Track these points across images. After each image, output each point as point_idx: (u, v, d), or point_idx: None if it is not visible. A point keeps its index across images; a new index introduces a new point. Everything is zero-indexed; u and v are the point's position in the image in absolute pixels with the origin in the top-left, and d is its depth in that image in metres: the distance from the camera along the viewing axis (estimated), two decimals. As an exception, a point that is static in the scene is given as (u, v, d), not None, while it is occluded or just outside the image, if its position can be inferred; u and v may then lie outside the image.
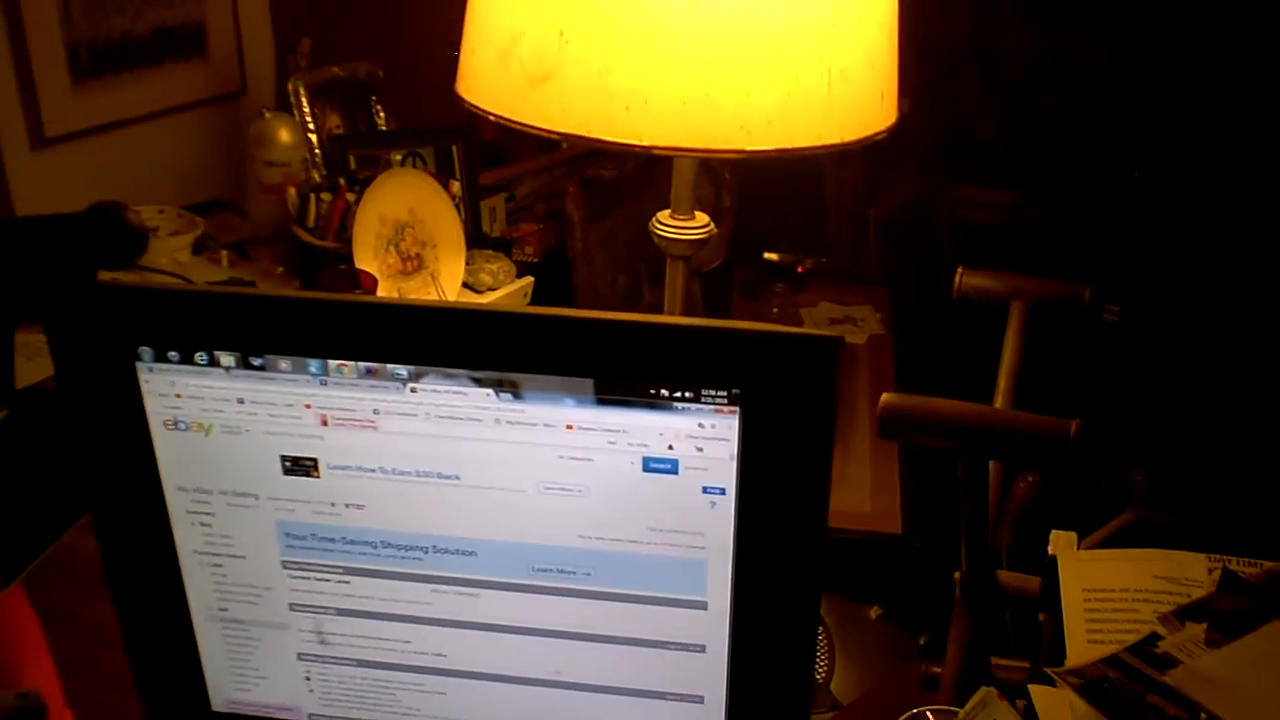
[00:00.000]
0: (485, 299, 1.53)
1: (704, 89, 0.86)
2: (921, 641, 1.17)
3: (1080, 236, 1.92)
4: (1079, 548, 0.86)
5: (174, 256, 1.46)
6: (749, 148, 0.88)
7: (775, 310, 1.94)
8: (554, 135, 0.89)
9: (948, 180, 2.15)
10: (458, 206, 1.55)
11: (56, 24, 1.59)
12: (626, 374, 0.61)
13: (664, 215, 1.04)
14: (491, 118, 0.93)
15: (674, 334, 0.61)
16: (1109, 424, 1.47)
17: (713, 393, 0.61)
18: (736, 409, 0.61)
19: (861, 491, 1.49)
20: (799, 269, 2.08)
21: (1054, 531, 0.90)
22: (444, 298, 1.46)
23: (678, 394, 0.62)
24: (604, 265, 1.70)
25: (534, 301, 1.62)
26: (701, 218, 1.05)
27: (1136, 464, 1.27)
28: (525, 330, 0.62)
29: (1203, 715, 0.55)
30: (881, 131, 0.96)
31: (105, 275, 1.01)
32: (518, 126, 0.91)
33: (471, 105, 0.95)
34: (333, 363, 0.64)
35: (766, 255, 2.10)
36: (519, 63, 0.90)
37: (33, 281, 0.80)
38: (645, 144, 0.87)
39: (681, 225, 1.04)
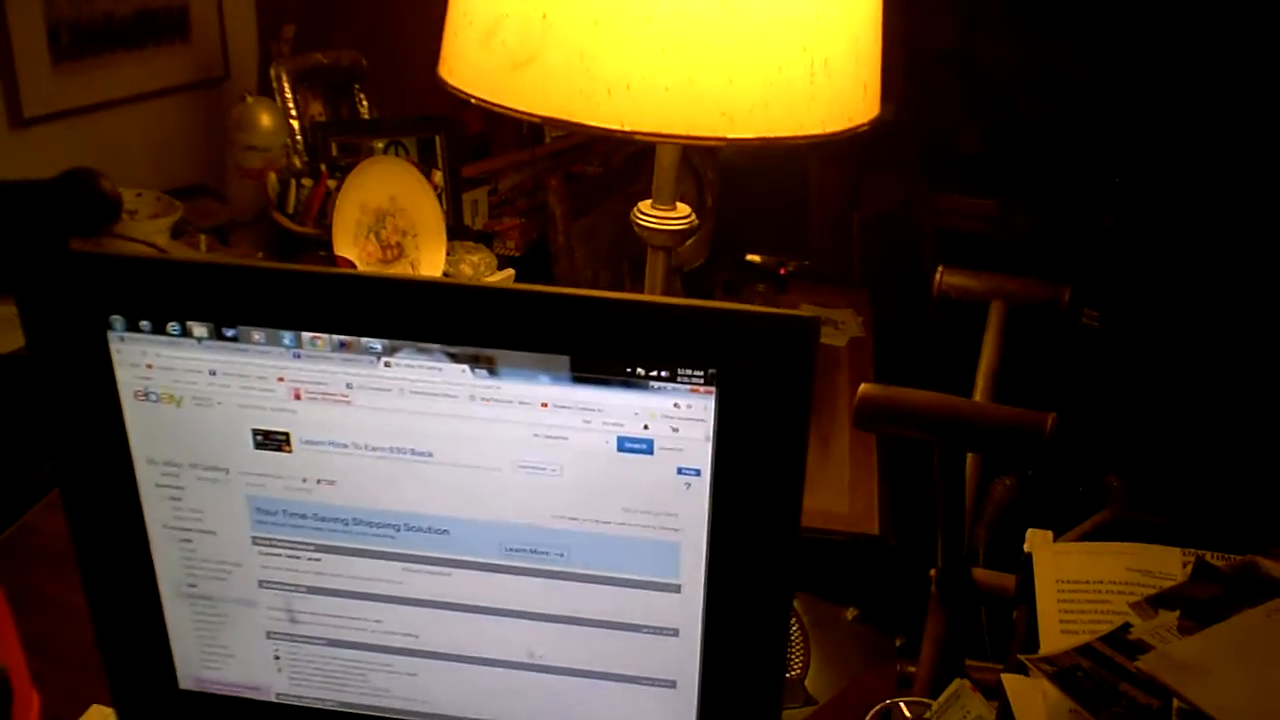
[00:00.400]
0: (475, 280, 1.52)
1: (687, 75, 0.86)
2: (898, 643, 1.17)
3: (1062, 242, 1.93)
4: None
5: (152, 239, 1.45)
6: (731, 135, 0.88)
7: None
8: (535, 119, 0.89)
9: (930, 187, 2.16)
10: (439, 196, 1.54)
11: (38, 3, 1.57)
12: (602, 352, 0.61)
13: (645, 205, 1.04)
14: (473, 100, 0.93)
15: (651, 312, 0.60)
16: (1086, 427, 1.48)
17: (689, 372, 0.61)
18: (713, 389, 0.61)
19: (840, 493, 1.49)
20: (781, 271, 2.08)
21: (1030, 530, 0.90)
22: (424, 287, 1.45)
23: (654, 373, 0.61)
24: (586, 260, 1.69)
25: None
26: (683, 208, 1.05)
27: (1113, 468, 1.28)
28: (501, 306, 0.61)
29: (1175, 701, 0.55)
30: (863, 124, 0.96)
31: (79, 243, 1.00)
32: (499, 109, 0.91)
33: (453, 88, 0.95)
34: (306, 335, 0.64)
35: (749, 257, 2.11)
36: (502, 45, 0.89)
37: (3, 248, 0.79)
38: (627, 129, 0.87)
39: (663, 215, 1.03)
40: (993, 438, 0.77)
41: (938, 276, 1.17)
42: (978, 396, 1.07)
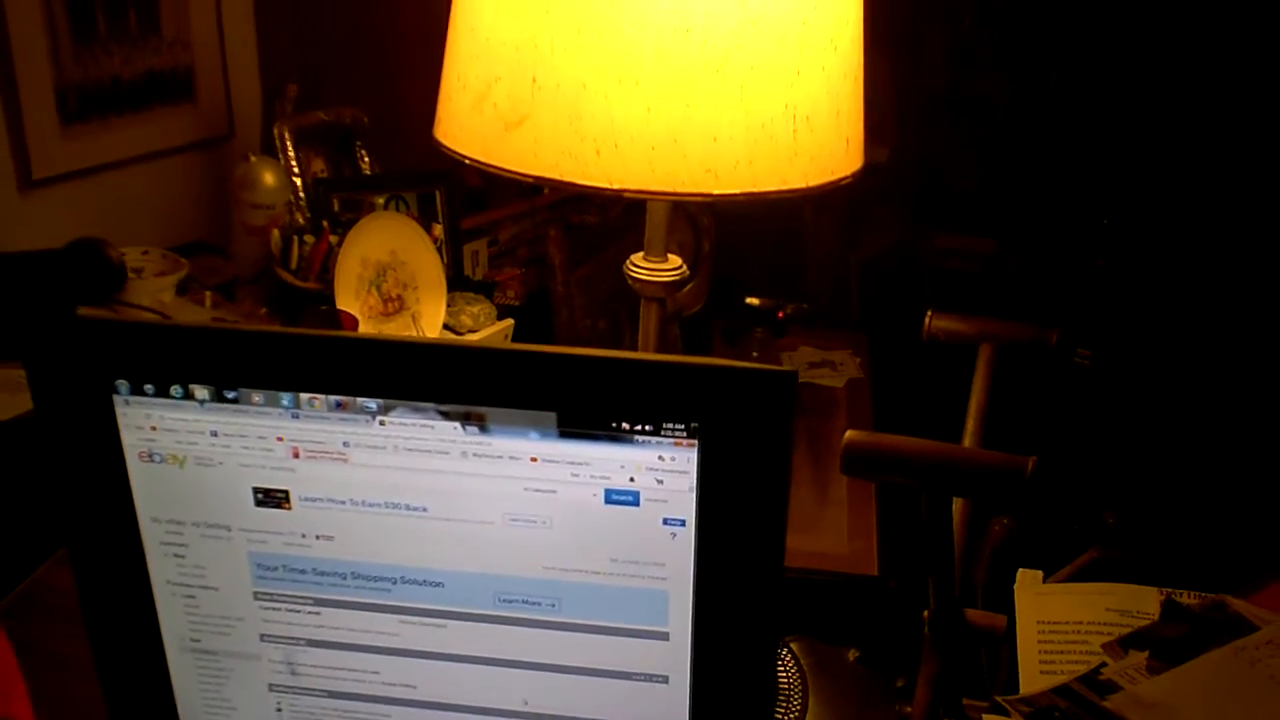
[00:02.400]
0: (467, 341, 1.55)
1: (672, 134, 0.88)
2: (899, 684, 1.18)
3: (1054, 283, 1.95)
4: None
5: (158, 297, 1.48)
6: (716, 191, 0.90)
7: (755, 355, 1.96)
8: (528, 178, 0.92)
9: (926, 228, 2.19)
10: (440, 249, 1.57)
11: (47, 68, 1.62)
12: (588, 408, 0.63)
13: (638, 257, 1.07)
14: (468, 162, 0.96)
15: (632, 369, 0.63)
16: (1080, 465, 1.49)
17: (672, 426, 0.63)
18: (695, 442, 0.63)
19: (839, 534, 1.51)
20: (779, 314, 2.10)
21: (1020, 570, 0.91)
22: (425, 340, 1.48)
23: (638, 427, 0.63)
24: (585, 309, 1.72)
25: (514, 342, 1.64)
26: (674, 260, 1.07)
27: (1108, 505, 1.29)
28: (489, 364, 0.64)
29: (1144, 740, 0.57)
30: (847, 177, 0.99)
31: (85, 310, 1.03)
32: (493, 170, 0.94)
33: (448, 150, 0.98)
34: (304, 396, 0.66)
35: (748, 300, 2.13)
36: (494, 108, 0.92)
37: (13, 315, 0.82)
38: (615, 187, 0.90)
39: (654, 267, 1.06)
40: (975, 482, 0.78)
41: (927, 321, 1.19)
42: (967, 439, 1.09)
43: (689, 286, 1.80)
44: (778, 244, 2.13)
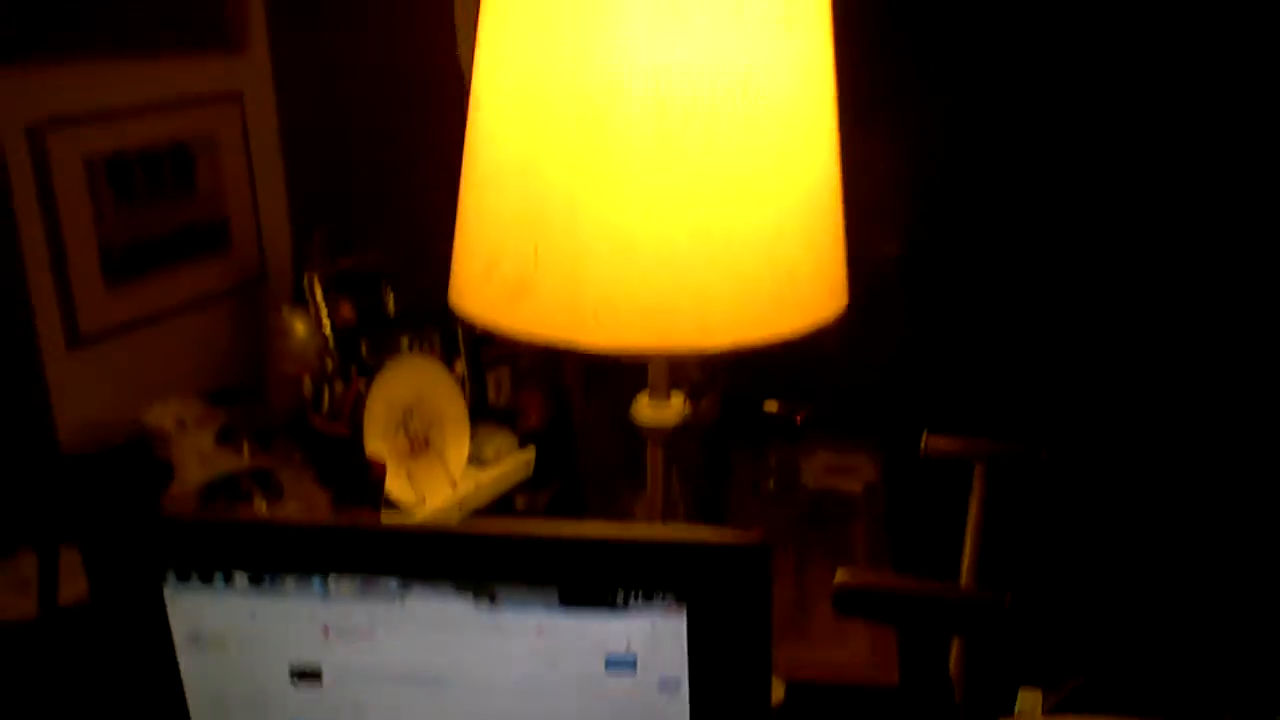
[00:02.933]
0: (490, 473, 1.62)
1: (665, 296, 0.95)
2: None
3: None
4: (1041, 709, 0.92)
5: (199, 448, 1.57)
6: (708, 345, 0.97)
7: (773, 463, 2.01)
8: (535, 342, 0.99)
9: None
10: (462, 384, 1.65)
11: (91, 230, 1.72)
12: (586, 582, 0.70)
13: (643, 399, 1.14)
14: (481, 326, 1.04)
15: (624, 549, 0.69)
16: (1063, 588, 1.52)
17: (662, 594, 0.69)
18: (684, 607, 0.70)
19: (859, 643, 1.54)
20: (796, 419, 2.16)
21: (1021, 690, 0.96)
22: (451, 477, 1.55)
23: (632, 596, 0.70)
24: (605, 433, 1.78)
25: (537, 470, 1.71)
26: (677, 402, 1.14)
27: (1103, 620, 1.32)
28: (498, 547, 0.71)
29: None
30: (830, 317, 1.05)
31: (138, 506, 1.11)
32: (503, 334, 1.01)
33: (463, 315, 1.05)
34: (333, 578, 0.73)
35: (765, 406, 2.19)
36: (501, 278, 1.00)
37: (74, 511, 0.89)
38: (615, 347, 0.97)
39: (658, 410, 1.13)
40: (956, 620, 0.84)
41: (923, 441, 1.25)
42: (965, 560, 1.14)
43: (704, 400, 1.87)
44: (791, 346, 2.18)
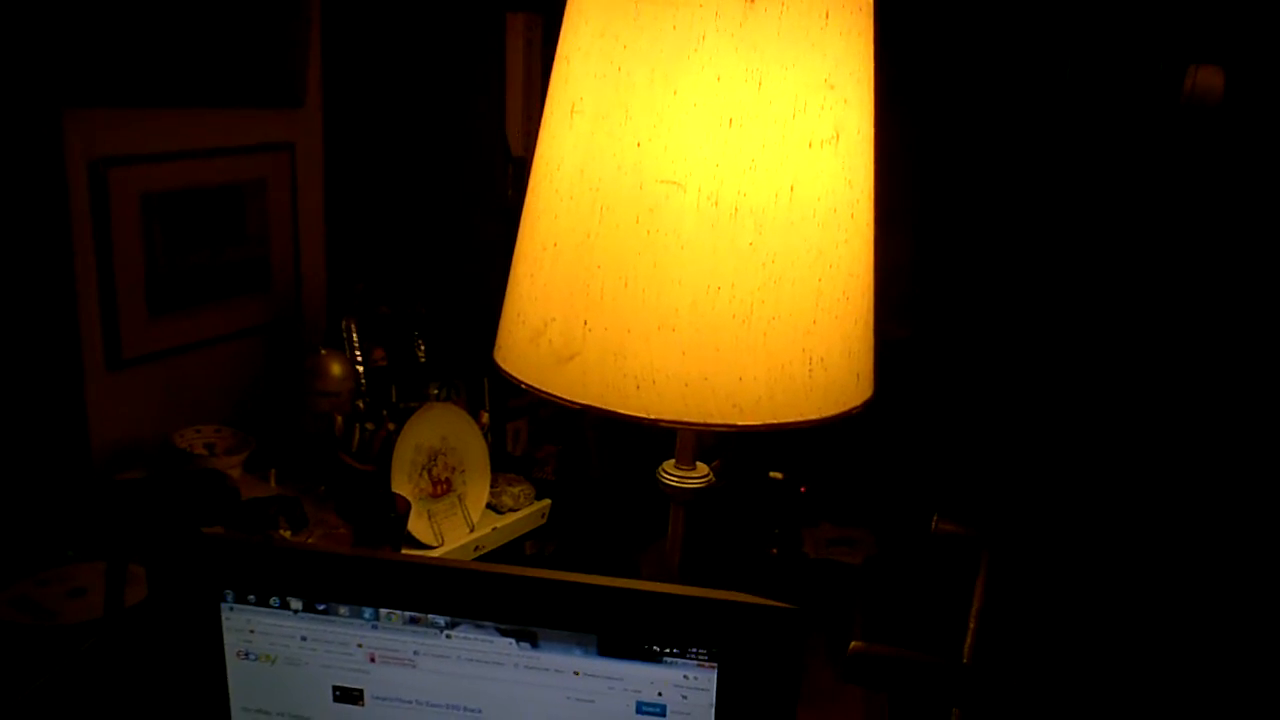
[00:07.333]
0: (506, 520, 1.67)
1: (703, 373, 1.01)
2: None
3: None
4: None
5: (228, 472, 1.62)
6: (740, 423, 1.03)
7: (777, 531, 2.05)
8: (575, 406, 1.05)
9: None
10: (486, 435, 1.71)
11: (140, 259, 1.79)
12: (625, 632, 0.75)
13: (669, 465, 1.19)
14: (523, 386, 1.09)
15: (662, 602, 0.74)
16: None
17: (696, 650, 0.74)
18: (715, 664, 0.75)
19: (854, 709, 1.58)
20: (800, 489, 2.21)
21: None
22: (469, 520, 1.60)
23: (667, 649, 0.75)
24: (618, 490, 1.84)
25: (550, 519, 1.76)
26: (702, 468, 1.19)
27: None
28: (543, 592, 0.76)
29: None
30: (858, 407, 1.11)
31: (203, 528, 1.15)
32: (545, 397, 1.07)
33: (507, 374, 1.11)
34: (383, 611, 0.78)
35: (771, 475, 2.24)
36: (549, 344, 1.06)
37: (142, 529, 0.95)
38: (652, 417, 1.02)
39: (684, 475, 1.18)
40: (962, 693, 0.88)
41: (933, 523, 1.30)
42: (968, 639, 1.18)
43: (713, 464, 1.92)
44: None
